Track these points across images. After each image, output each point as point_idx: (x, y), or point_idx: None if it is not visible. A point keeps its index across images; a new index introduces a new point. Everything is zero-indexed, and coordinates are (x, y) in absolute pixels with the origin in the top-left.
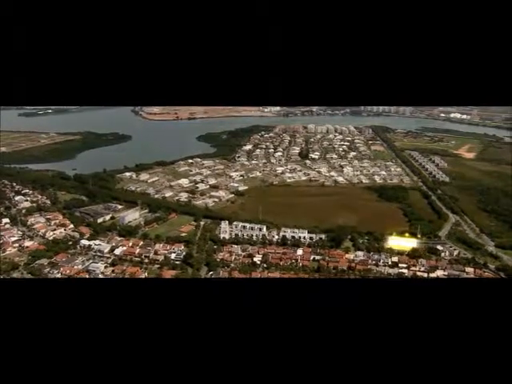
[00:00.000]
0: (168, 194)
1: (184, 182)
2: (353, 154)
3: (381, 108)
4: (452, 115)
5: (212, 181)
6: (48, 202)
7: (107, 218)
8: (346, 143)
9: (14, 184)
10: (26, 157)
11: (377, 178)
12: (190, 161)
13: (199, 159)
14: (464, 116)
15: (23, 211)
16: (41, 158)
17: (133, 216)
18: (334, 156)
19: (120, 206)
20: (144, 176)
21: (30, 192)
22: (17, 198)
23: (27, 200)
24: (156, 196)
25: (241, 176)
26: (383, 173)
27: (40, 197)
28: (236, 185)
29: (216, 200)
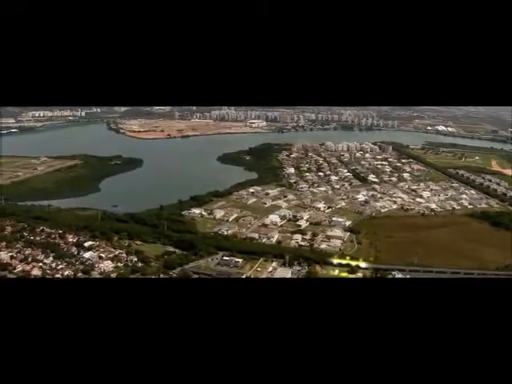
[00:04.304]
0: (275, 236)
1: (275, 218)
2: (406, 174)
3: (369, 122)
4: (440, 128)
5: (304, 215)
6: (134, 258)
7: None
8: (384, 162)
9: (61, 232)
10: (34, 190)
11: (465, 203)
12: (251, 190)
13: (259, 188)
14: (449, 128)
15: (113, 276)
16: (52, 190)
17: (285, 275)
18: (394, 179)
19: (239, 260)
20: (219, 213)
21: (95, 243)
22: (85, 254)
23: (101, 257)
24: (264, 241)
25: (329, 208)
26: (464, 196)
27: (116, 251)
28: (340, 220)
29: (340, 241)
